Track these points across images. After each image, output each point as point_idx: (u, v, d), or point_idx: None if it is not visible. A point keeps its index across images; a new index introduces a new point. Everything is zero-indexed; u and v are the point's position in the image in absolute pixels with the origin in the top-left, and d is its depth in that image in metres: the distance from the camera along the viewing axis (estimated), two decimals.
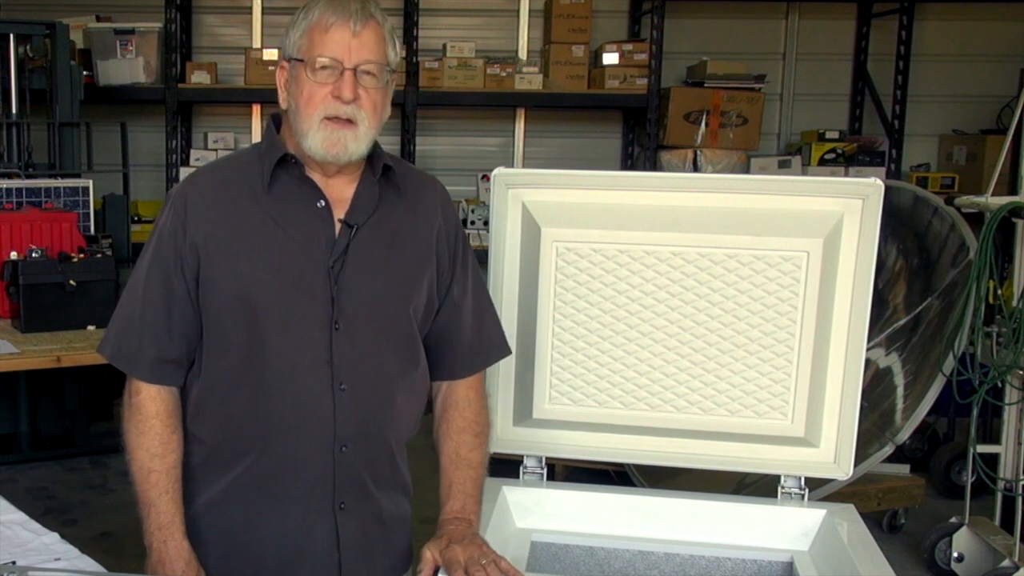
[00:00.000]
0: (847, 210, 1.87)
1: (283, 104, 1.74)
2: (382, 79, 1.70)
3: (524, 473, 2.04)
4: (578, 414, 2.02)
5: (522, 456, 2.05)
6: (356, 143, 1.69)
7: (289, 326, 1.70)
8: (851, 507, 1.95)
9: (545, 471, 2.05)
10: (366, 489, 1.78)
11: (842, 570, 1.75)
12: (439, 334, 1.83)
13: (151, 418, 1.73)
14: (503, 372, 1.99)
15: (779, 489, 1.98)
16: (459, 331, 1.84)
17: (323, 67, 1.66)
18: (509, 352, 1.93)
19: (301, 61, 1.68)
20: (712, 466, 2.01)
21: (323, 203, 1.73)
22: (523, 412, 2.03)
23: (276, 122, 1.80)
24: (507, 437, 2.03)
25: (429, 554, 1.73)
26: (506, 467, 2.08)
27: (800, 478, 1.98)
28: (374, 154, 1.78)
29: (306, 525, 1.75)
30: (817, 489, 3.22)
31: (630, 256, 1.96)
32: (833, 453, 1.94)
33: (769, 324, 1.94)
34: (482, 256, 1.95)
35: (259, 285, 1.69)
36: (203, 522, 1.78)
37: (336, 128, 1.68)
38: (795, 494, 1.97)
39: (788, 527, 1.93)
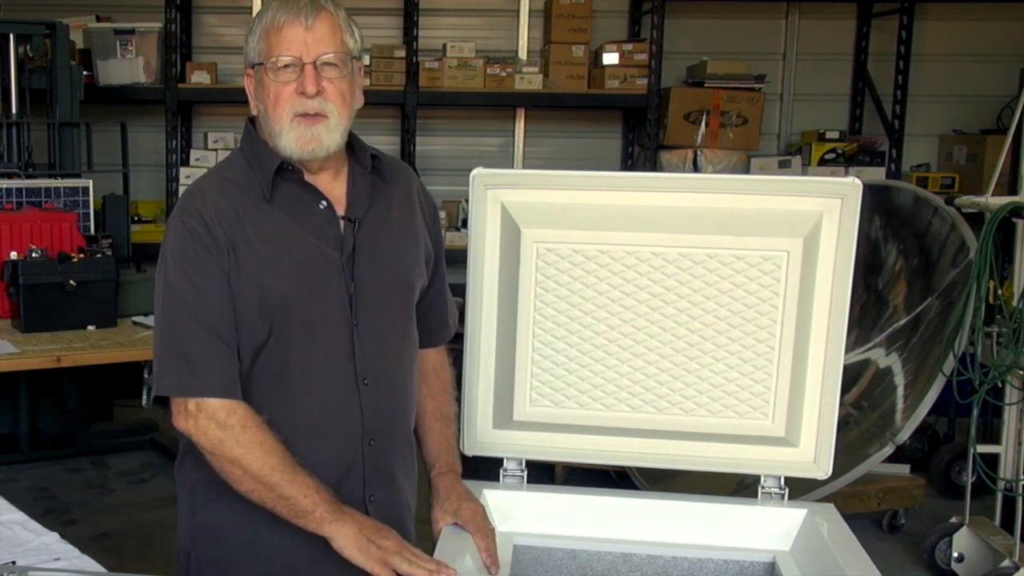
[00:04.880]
0: (826, 209, 1.86)
1: (254, 111, 1.77)
2: (345, 68, 1.72)
3: (504, 476, 2.03)
4: (559, 416, 2.01)
5: (502, 459, 2.04)
6: (329, 135, 1.71)
7: (312, 328, 1.72)
8: (831, 506, 1.94)
9: (525, 474, 2.04)
10: (394, 481, 1.83)
11: (825, 569, 1.75)
12: (426, 307, 1.91)
13: (244, 427, 1.65)
14: (483, 374, 1.99)
15: (759, 489, 1.98)
16: (441, 302, 1.96)
17: (284, 66, 1.69)
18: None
19: (262, 65, 1.71)
20: (693, 467, 2.00)
21: (324, 203, 1.75)
22: (503, 414, 2.01)
23: (254, 125, 1.81)
24: (487, 440, 2.01)
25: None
26: (487, 470, 2.07)
27: (780, 478, 1.97)
28: (356, 146, 1.80)
29: None
30: (816, 490, 3.21)
31: (610, 257, 1.95)
32: (813, 453, 1.93)
33: (750, 324, 1.93)
34: (463, 256, 1.97)
35: (282, 291, 1.70)
36: (230, 525, 1.77)
37: (308, 124, 1.70)
38: (775, 494, 1.97)
39: (769, 527, 1.92)
